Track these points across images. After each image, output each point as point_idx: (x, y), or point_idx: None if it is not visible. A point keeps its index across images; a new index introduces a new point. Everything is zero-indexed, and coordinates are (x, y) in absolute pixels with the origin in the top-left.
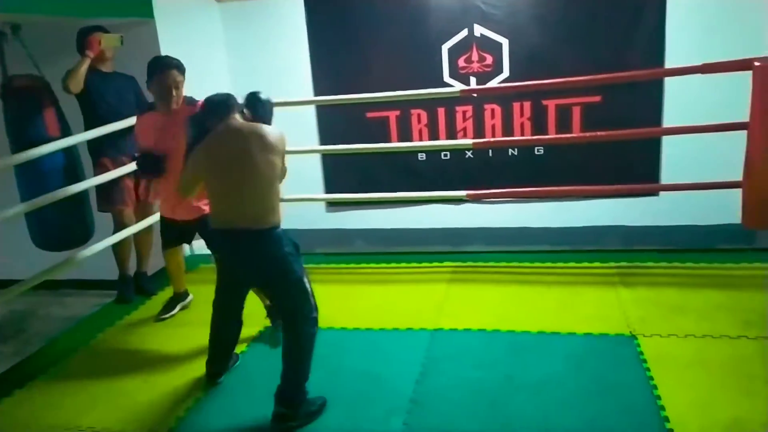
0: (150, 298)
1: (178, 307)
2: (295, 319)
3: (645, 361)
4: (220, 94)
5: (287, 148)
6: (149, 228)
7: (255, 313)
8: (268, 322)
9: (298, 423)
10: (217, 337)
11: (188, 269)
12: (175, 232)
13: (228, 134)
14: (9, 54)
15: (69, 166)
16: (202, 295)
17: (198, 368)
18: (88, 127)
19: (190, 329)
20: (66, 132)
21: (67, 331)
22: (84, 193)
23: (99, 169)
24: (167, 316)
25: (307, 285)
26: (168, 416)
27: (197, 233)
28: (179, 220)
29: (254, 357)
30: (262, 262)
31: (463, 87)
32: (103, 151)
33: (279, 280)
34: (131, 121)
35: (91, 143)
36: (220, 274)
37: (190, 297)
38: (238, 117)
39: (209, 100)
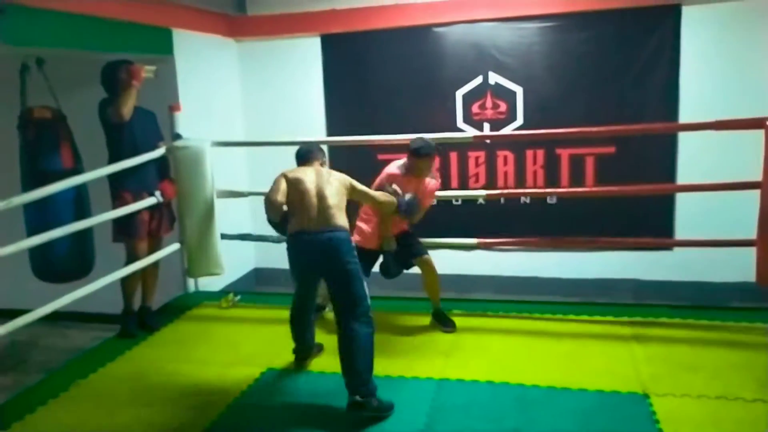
0: (152, 333)
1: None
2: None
3: (658, 421)
4: (308, 146)
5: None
6: (156, 263)
7: (258, 353)
8: (270, 364)
9: (371, 413)
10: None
11: (191, 306)
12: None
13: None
14: (29, 86)
15: (77, 198)
16: (206, 333)
17: (201, 409)
18: (113, 159)
19: (196, 366)
20: (79, 164)
21: (67, 363)
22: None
23: (118, 202)
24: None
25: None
26: None
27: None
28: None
29: (254, 399)
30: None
31: (477, 133)
32: (126, 184)
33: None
34: (152, 155)
35: (113, 176)
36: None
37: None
38: (316, 163)
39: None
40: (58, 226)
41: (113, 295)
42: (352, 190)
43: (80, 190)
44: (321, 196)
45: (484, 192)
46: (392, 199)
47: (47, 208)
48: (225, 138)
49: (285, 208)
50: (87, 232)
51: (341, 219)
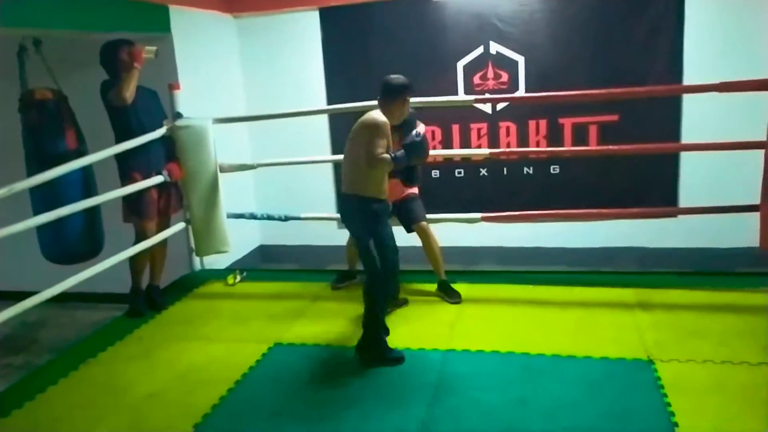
0: (160, 312)
1: (346, 282)
2: (367, 274)
3: (662, 386)
4: (398, 81)
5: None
6: (164, 241)
7: (265, 329)
8: (277, 339)
9: (372, 356)
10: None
11: (198, 284)
12: None
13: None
14: (28, 67)
15: (84, 179)
16: (213, 310)
17: (210, 385)
18: (119, 140)
19: (204, 344)
20: (83, 145)
21: (77, 343)
22: (96, 207)
23: (127, 182)
24: (342, 286)
25: (373, 249)
26: None
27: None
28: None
29: (262, 375)
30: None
31: (477, 96)
32: (134, 165)
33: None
34: (157, 134)
35: (121, 156)
36: None
37: (358, 278)
38: (392, 107)
39: (385, 82)
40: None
41: (121, 274)
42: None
43: (86, 171)
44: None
45: (487, 151)
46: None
47: (54, 191)
48: (226, 114)
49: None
50: (96, 213)
51: (351, 179)
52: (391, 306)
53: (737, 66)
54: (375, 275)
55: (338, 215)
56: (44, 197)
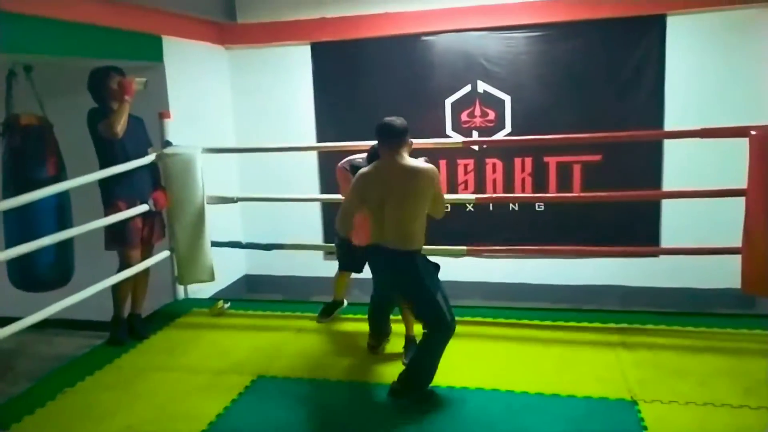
0: (142, 341)
1: (335, 313)
2: (428, 326)
3: (646, 428)
4: (399, 121)
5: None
6: (147, 270)
7: (248, 361)
8: (261, 372)
9: (410, 396)
10: (373, 314)
11: (181, 313)
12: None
13: (393, 171)
14: (15, 92)
15: (59, 206)
16: (195, 341)
17: (190, 418)
18: (103, 167)
19: (185, 375)
20: (63, 173)
21: (55, 371)
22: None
23: (111, 210)
24: (326, 320)
25: (441, 301)
26: None
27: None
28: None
29: (245, 408)
30: (398, 277)
31: (465, 139)
32: (119, 193)
33: (413, 293)
34: (143, 161)
35: (106, 185)
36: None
37: (345, 304)
38: (405, 150)
39: (390, 126)
40: (38, 234)
41: (101, 301)
42: None
43: (62, 198)
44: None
45: (473, 196)
46: None
47: (28, 217)
48: (215, 145)
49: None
50: (68, 242)
51: (405, 234)
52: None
53: (718, 108)
54: (445, 326)
55: (324, 245)
56: (18, 222)
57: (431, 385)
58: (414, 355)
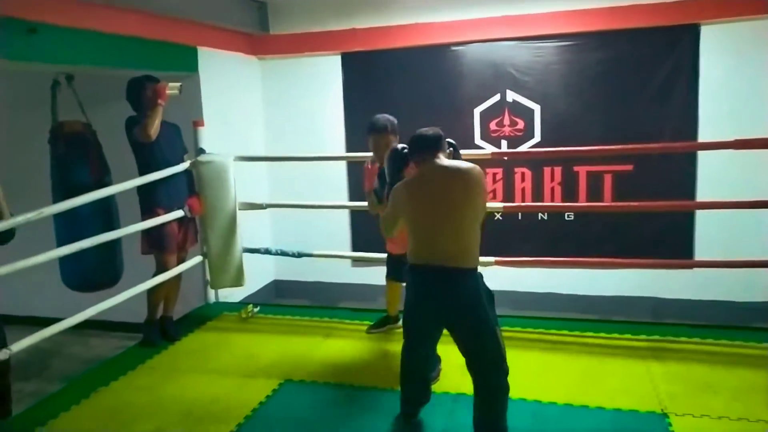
0: (173, 343)
1: (386, 327)
2: (491, 369)
3: None
4: (432, 130)
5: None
6: (179, 274)
7: (276, 365)
8: (288, 376)
9: None
10: (408, 378)
11: (211, 316)
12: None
13: (434, 174)
14: (60, 101)
15: (105, 209)
16: (225, 344)
17: (217, 421)
18: (142, 173)
19: (214, 377)
20: (107, 176)
21: (90, 371)
22: (117, 238)
23: (150, 216)
24: (376, 331)
25: (500, 336)
26: None
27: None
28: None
29: (272, 412)
30: (459, 302)
31: (495, 150)
32: (157, 200)
33: (475, 324)
34: (179, 168)
35: (145, 192)
36: (409, 314)
37: (399, 323)
38: (442, 156)
39: (423, 136)
40: (87, 236)
41: (135, 304)
42: None
43: (110, 202)
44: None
45: (501, 204)
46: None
47: (76, 220)
48: (246, 153)
49: None
50: (116, 244)
51: (461, 249)
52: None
53: (753, 118)
54: (506, 367)
55: (353, 254)
56: (66, 226)
57: (457, 392)
58: (486, 416)
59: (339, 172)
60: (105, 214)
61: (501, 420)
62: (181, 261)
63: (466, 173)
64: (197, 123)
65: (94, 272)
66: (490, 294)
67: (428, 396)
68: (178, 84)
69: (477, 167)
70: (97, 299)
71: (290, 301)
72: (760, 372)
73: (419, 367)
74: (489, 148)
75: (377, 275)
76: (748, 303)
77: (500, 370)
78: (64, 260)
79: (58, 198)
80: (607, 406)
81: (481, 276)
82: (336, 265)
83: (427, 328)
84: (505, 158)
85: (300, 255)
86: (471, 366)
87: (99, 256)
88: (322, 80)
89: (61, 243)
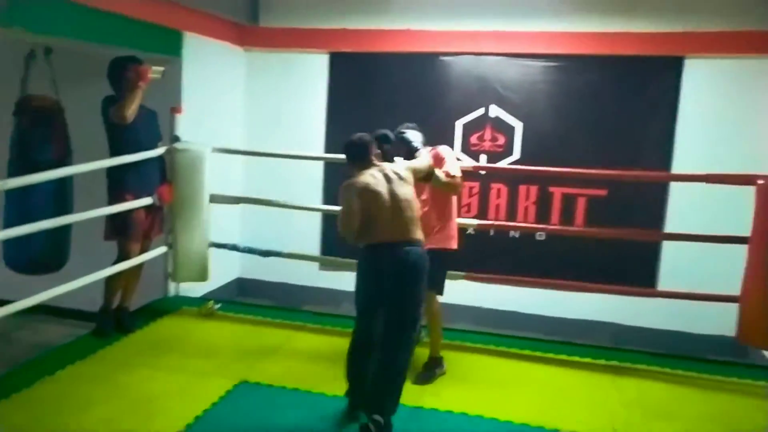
0: (128, 335)
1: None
2: (412, 330)
3: None
4: (360, 138)
5: None
6: (141, 264)
7: (233, 364)
8: (244, 377)
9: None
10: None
11: (170, 310)
12: None
13: (373, 180)
14: (32, 74)
15: (60, 191)
16: (181, 339)
17: (168, 417)
18: (114, 156)
19: (167, 373)
20: (68, 157)
21: (36, 358)
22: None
23: (117, 200)
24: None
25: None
26: None
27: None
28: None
29: (224, 412)
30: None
31: (474, 163)
32: (127, 185)
33: (417, 290)
34: (151, 154)
35: (115, 175)
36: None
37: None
38: (374, 159)
39: (349, 146)
40: (36, 217)
41: (89, 291)
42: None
43: (65, 183)
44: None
45: (475, 221)
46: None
47: (29, 199)
48: (223, 145)
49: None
50: (66, 227)
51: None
52: None
53: (727, 154)
54: (415, 333)
55: (322, 257)
56: (18, 203)
57: (415, 405)
58: (394, 382)
59: (316, 172)
60: (60, 196)
61: (393, 408)
62: (144, 250)
63: (397, 172)
64: (175, 109)
65: (41, 255)
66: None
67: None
68: (161, 68)
69: (403, 164)
70: (47, 282)
71: (253, 300)
72: (713, 403)
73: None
74: (468, 162)
75: (344, 280)
76: (707, 335)
77: (404, 341)
78: (9, 240)
79: (14, 173)
80: (562, 429)
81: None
82: (303, 267)
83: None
84: (482, 172)
85: (268, 254)
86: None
87: (47, 239)
88: (308, 78)
89: (8, 220)
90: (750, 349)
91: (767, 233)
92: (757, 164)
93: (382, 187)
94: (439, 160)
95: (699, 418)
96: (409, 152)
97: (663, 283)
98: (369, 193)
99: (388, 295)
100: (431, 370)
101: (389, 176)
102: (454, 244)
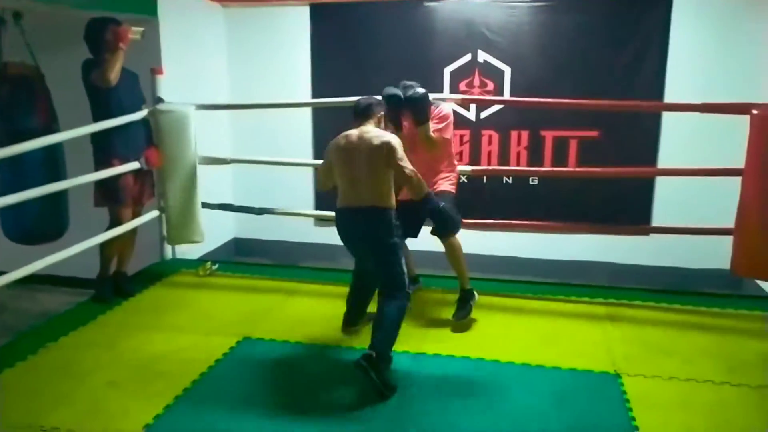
0: (127, 299)
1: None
2: (386, 293)
3: (628, 401)
4: (366, 100)
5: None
6: (134, 229)
7: (234, 323)
8: (246, 334)
9: (377, 375)
10: (352, 295)
11: (168, 273)
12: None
13: (360, 139)
14: (6, 41)
15: (52, 158)
16: (181, 301)
17: (173, 376)
18: (98, 122)
19: (170, 334)
20: (55, 124)
21: (38, 326)
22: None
23: (104, 167)
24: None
25: (404, 265)
26: (134, 422)
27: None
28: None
29: (228, 368)
30: (375, 234)
31: (463, 110)
32: (113, 150)
33: (385, 254)
34: (135, 117)
35: (101, 141)
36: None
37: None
38: (371, 122)
39: (357, 105)
40: (31, 186)
41: (87, 258)
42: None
43: (56, 150)
44: (358, 168)
45: (469, 168)
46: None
47: (20, 168)
48: (209, 103)
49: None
50: (61, 195)
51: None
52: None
53: (717, 90)
54: (404, 292)
55: (314, 212)
56: (10, 173)
57: (418, 352)
58: (382, 323)
59: (304, 125)
60: (51, 164)
61: (382, 344)
62: (136, 215)
63: (378, 144)
64: (156, 71)
65: (38, 224)
66: (395, 227)
67: (362, 314)
68: (140, 29)
69: (389, 139)
70: (46, 252)
71: (250, 259)
72: (710, 336)
73: (359, 276)
74: (459, 109)
75: None
76: (702, 270)
77: (392, 296)
78: (5, 211)
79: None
80: (563, 366)
81: (390, 214)
82: (298, 225)
83: (356, 252)
84: (472, 118)
85: (262, 211)
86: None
87: (43, 207)
88: (289, 32)
89: (2, 192)
90: (744, 280)
91: (762, 163)
92: (748, 95)
93: (350, 149)
94: (439, 119)
95: (697, 351)
96: (417, 121)
97: (657, 220)
98: (336, 152)
99: (359, 255)
100: (466, 303)
101: (363, 139)
102: (454, 188)
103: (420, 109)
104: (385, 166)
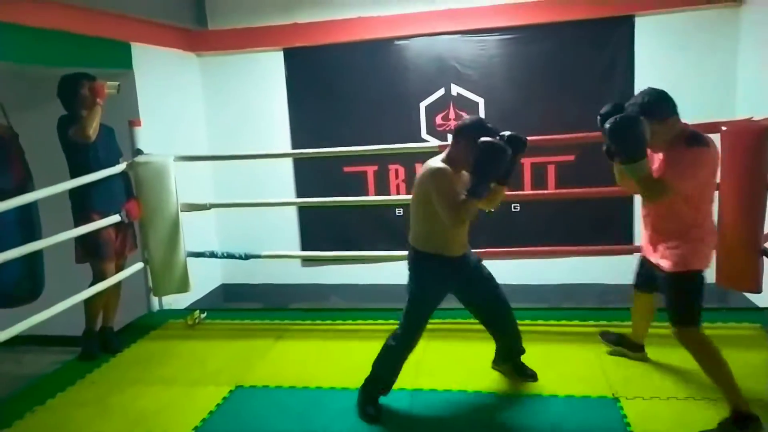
0: (115, 355)
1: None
2: (397, 334)
3: (629, 424)
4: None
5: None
6: (119, 283)
7: (226, 370)
8: (239, 382)
9: (359, 391)
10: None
11: (155, 325)
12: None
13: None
14: None
15: (27, 219)
16: (171, 352)
17: (166, 430)
18: (75, 177)
19: (160, 387)
20: (30, 183)
21: (24, 389)
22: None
23: (83, 222)
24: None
25: (423, 315)
26: None
27: None
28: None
29: (223, 421)
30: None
31: (441, 143)
32: (92, 204)
33: (407, 296)
34: (114, 170)
35: (79, 197)
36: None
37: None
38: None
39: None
40: (3, 248)
41: (71, 316)
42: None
43: (31, 210)
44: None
45: None
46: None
47: None
48: (188, 153)
49: None
50: (37, 255)
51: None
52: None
53: (686, 109)
54: (399, 329)
55: (301, 253)
56: None
57: (414, 388)
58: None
59: (286, 170)
60: (27, 224)
61: (374, 364)
62: (120, 269)
63: (422, 173)
64: (134, 123)
65: (12, 287)
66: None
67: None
68: (116, 83)
69: (431, 168)
70: (29, 313)
71: (239, 304)
72: None
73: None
74: (435, 142)
75: (328, 274)
76: None
77: (395, 333)
78: None
79: None
80: (559, 393)
81: (429, 258)
82: (286, 266)
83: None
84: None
85: (247, 257)
86: None
87: (18, 269)
88: (265, 76)
89: None
90: (729, 293)
91: (735, 178)
92: (716, 113)
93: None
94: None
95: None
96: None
97: (640, 239)
98: None
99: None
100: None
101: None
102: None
103: (625, 142)
104: (422, 202)
